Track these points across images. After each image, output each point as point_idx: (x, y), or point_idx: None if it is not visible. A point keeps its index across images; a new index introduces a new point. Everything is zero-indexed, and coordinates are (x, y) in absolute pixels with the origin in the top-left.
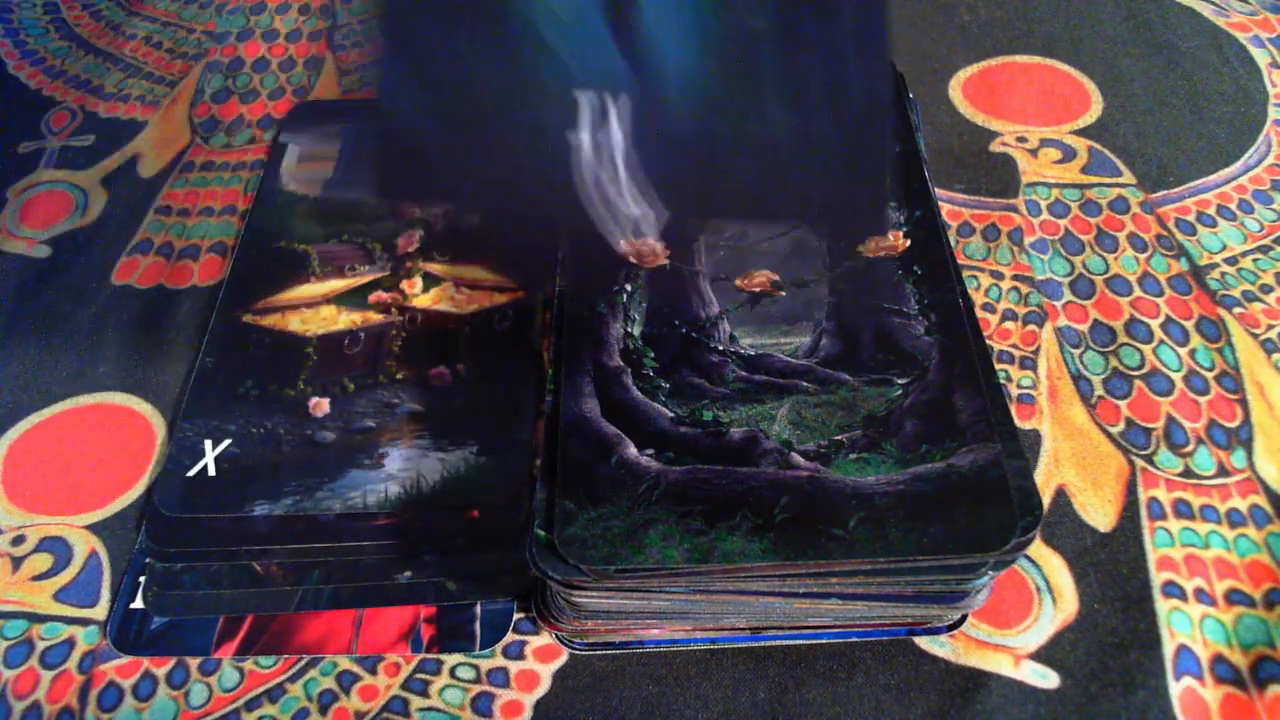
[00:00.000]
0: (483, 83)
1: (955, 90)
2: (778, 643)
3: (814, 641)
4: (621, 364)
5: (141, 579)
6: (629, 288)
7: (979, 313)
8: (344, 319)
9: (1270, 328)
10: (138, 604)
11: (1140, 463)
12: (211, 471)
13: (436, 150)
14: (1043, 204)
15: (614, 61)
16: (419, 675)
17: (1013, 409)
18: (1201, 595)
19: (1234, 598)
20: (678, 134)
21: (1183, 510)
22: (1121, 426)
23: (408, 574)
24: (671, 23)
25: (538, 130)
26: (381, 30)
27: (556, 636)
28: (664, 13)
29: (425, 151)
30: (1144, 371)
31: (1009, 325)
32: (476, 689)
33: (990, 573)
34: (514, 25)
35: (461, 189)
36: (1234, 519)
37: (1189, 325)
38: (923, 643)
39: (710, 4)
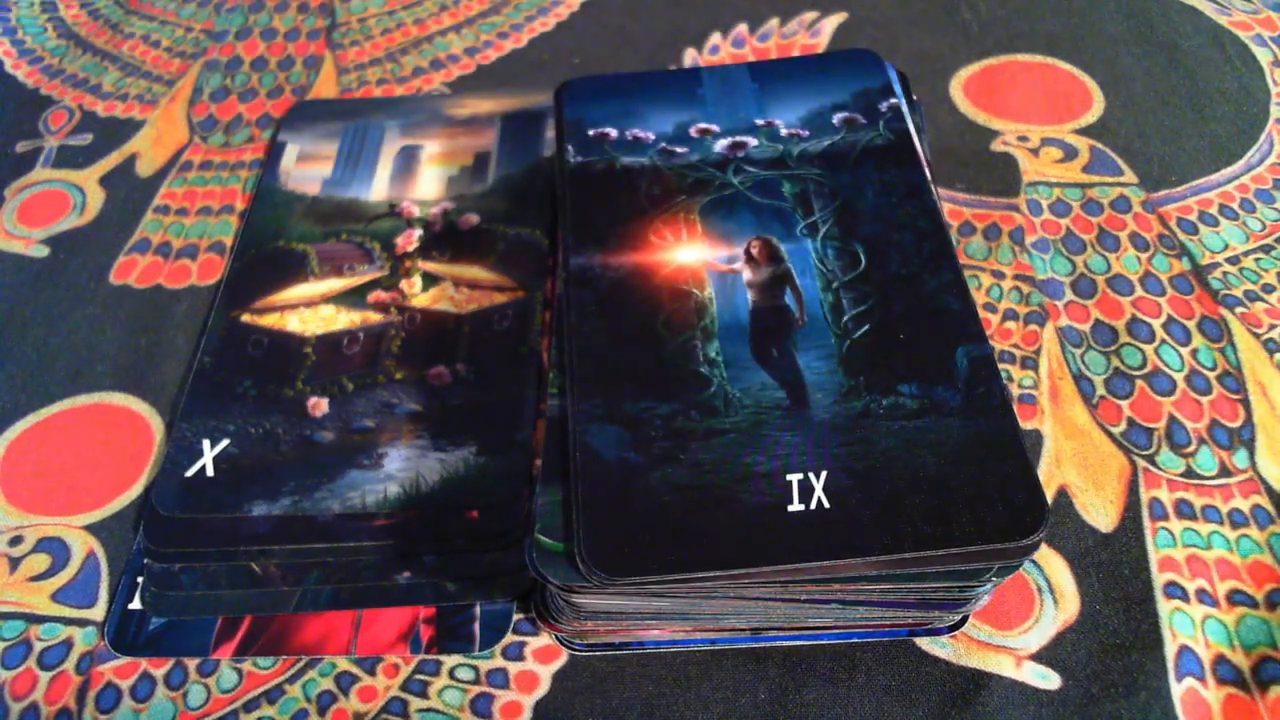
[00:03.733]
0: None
1: (956, 89)
2: (778, 644)
3: (814, 642)
4: None
5: (139, 579)
6: None
7: (980, 313)
8: (343, 319)
9: (1272, 327)
10: (136, 604)
11: (1142, 463)
12: (210, 472)
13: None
14: (1044, 203)
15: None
16: (418, 676)
17: (1014, 409)
18: (1203, 596)
19: (1236, 598)
20: None
21: (1184, 510)
22: (1123, 426)
23: (407, 574)
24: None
25: None
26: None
27: (556, 637)
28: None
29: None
30: (1146, 371)
31: (1010, 325)
32: (476, 690)
33: (995, 579)
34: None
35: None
36: (1236, 519)
37: (1191, 325)
38: (924, 643)
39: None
